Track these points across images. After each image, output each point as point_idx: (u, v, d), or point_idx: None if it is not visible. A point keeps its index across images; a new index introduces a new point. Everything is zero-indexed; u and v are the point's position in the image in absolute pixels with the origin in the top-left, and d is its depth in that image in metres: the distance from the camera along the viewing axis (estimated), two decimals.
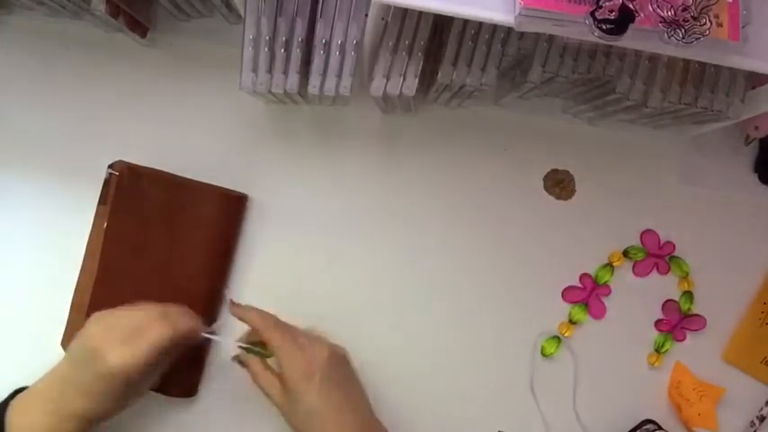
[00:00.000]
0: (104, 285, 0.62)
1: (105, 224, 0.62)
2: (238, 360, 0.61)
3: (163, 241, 0.63)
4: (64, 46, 0.69)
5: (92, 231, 0.65)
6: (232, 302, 0.61)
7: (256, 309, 0.60)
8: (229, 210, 0.66)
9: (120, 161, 0.64)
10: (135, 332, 0.53)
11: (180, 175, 0.65)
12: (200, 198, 0.65)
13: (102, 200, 0.64)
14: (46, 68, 0.69)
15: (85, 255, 0.65)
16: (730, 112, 0.62)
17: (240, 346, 0.60)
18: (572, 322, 0.70)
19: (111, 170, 0.63)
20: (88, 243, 0.65)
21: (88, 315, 0.57)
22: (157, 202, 0.64)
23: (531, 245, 0.71)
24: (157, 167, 0.65)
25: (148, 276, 0.62)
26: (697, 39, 0.48)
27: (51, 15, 0.68)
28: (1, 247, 0.66)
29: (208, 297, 0.65)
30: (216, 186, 0.66)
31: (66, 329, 0.63)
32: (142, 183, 0.63)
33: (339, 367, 0.58)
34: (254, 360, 0.60)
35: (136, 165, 0.64)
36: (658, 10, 0.48)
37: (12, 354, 0.64)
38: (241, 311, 0.60)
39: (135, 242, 0.63)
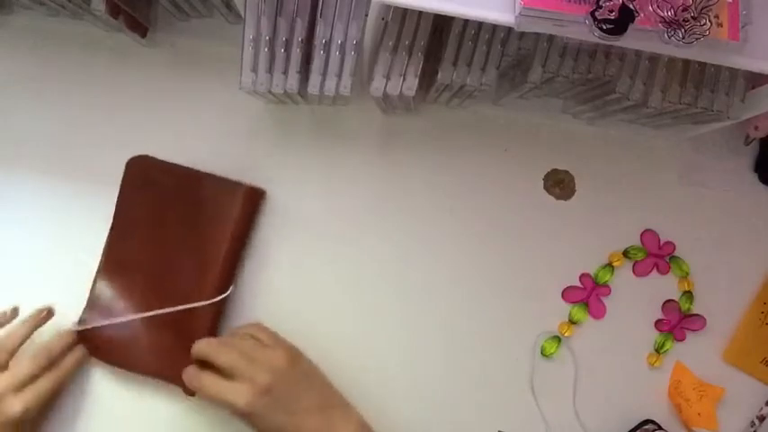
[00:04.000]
0: (111, 273, 0.64)
1: (113, 213, 0.64)
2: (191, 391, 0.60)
3: (177, 230, 0.65)
4: (64, 46, 0.69)
5: None
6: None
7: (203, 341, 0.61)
8: (248, 203, 0.66)
9: (138, 155, 0.65)
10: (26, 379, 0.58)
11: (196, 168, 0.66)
12: (218, 190, 0.65)
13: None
14: (46, 68, 0.69)
15: None
16: (730, 112, 0.62)
17: None
18: (572, 322, 0.70)
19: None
20: None
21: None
22: (171, 192, 0.65)
23: (531, 245, 0.71)
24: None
25: (158, 263, 0.64)
26: (697, 39, 0.48)
27: (51, 15, 0.68)
28: (1, 246, 0.66)
29: (216, 284, 0.64)
30: (234, 181, 0.66)
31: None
32: (154, 173, 0.65)
33: (298, 369, 0.58)
34: (206, 374, 0.58)
35: (149, 156, 0.65)
36: (658, 10, 0.48)
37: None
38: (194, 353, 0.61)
39: (146, 231, 0.65)
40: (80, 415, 0.64)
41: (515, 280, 0.70)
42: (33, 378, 0.58)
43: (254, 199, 0.67)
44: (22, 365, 0.59)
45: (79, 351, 0.63)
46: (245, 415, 0.55)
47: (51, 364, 0.60)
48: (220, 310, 0.65)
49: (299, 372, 0.59)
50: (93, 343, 0.63)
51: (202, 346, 0.59)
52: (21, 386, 0.57)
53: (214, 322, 0.65)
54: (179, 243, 0.65)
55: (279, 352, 0.59)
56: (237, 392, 0.55)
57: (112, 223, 0.65)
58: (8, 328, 0.61)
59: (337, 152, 0.70)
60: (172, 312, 0.62)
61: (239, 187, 0.66)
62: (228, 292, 0.64)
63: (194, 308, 0.62)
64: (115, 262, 0.65)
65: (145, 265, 0.64)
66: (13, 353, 0.59)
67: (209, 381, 0.57)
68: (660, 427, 0.68)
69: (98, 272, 0.65)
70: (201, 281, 0.64)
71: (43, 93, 0.69)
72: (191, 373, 0.59)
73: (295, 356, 0.60)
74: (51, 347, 0.61)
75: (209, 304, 0.63)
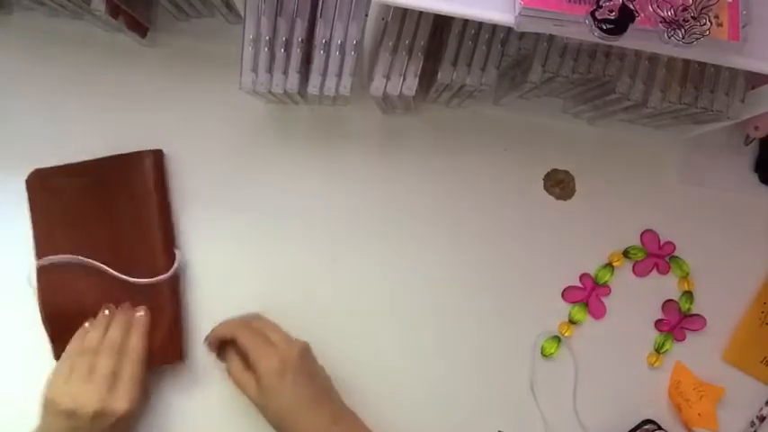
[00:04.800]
0: (49, 281, 0.64)
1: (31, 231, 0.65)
2: (209, 344, 0.63)
3: (102, 219, 0.65)
4: (64, 46, 0.69)
5: None
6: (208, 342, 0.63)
7: (224, 322, 0.63)
8: (156, 167, 0.66)
9: (33, 170, 0.66)
10: (110, 377, 0.58)
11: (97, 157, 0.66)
12: (123, 167, 0.65)
13: None
14: (46, 68, 0.69)
15: None
16: (730, 112, 0.62)
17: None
18: (572, 322, 0.70)
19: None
20: None
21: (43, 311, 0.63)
22: (80, 190, 0.65)
23: (532, 245, 0.71)
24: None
25: (99, 253, 0.64)
26: (697, 39, 0.48)
27: (51, 15, 0.68)
28: (0, 246, 0.66)
29: (162, 248, 0.65)
30: (131, 153, 0.66)
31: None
32: (55, 181, 0.65)
33: (308, 364, 0.61)
34: (231, 355, 0.61)
35: (43, 168, 0.66)
36: (658, 10, 0.48)
37: (7, 354, 0.64)
38: (213, 335, 0.63)
39: (71, 234, 0.64)
40: None
41: (515, 280, 0.70)
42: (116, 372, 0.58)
43: (158, 162, 0.66)
44: (100, 363, 0.58)
45: (137, 326, 0.62)
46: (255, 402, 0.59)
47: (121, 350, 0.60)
48: (178, 276, 0.65)
49: (307, 364, 0.61)
50: None
51: (227, 328, 0.62)
52: (112, 383, 0.57)
53: (176, 291, 0.65)
54: (112, 233, 0.65)
55: (294, 342, 0.61)
56: (251, 384, 0.59)
57: (34, 245, 0.65)
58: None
59: (337, 152, 0.70)
60: (136, 293, 0.63)
61: (141, 156, 0.65)
62: (177, 258, 0.64)
63: (156, 284, 0.63)
64: (53, 284, 0.64)
65: (85, 268, 0.64)
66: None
67: (233, 366, 0.61)
68: (660, 427, 0.68)
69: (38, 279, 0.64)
70: (151, 255, 0.64)
71: (43, 93, 0.69)
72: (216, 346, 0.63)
73: (306, 348, 0.61)
74: (110, 335, 0.60)
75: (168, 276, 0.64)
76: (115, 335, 0.60)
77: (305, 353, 0.61)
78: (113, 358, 0.58)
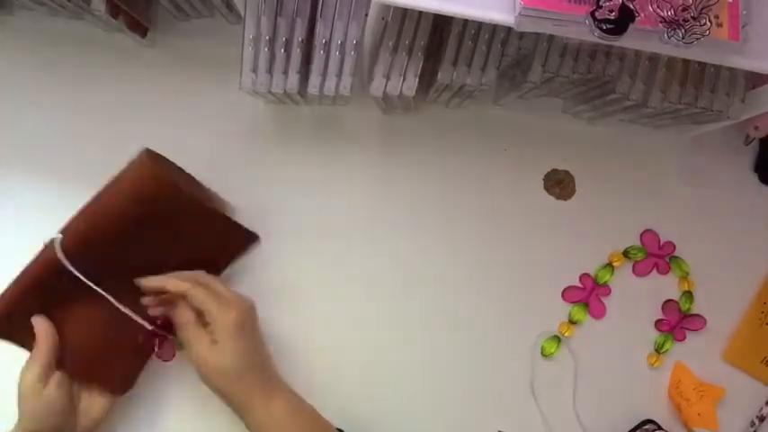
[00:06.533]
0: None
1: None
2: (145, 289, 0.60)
3: (160, 237, 0.60)
4: (64, 46, 0.69)
5: None
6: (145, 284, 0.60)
7: (173, 275, 0.60)
8: (244, 248, 0.65)
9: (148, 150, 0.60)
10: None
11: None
12: (222, 231, 0.63)
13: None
14: (46, 68, 0.69)
15: None
16: (730, 112, 0.62)
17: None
18: (572, 322, 0.70)
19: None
20: None
21: None
22: (166, 215, 0.59)
23: (531, 245, 0.71)
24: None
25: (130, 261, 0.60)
26: (697, 39, 0.48)
27: (51, 15, 0.68)
28: (0, 246, 0.66)
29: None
30: (238, 224, 0.64)
31: None
32: (159, 188, 0.58)
33: (256, 318, 0.61)
34: (182, 311, 0.59)
35: (164, 167, 0.60)
36: (658, 10, 0.48)
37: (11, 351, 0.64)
38: (157, 282, 0.60)
39: (121, 243, 0.59)
40: None
41: (515, 280, 0.70)
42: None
43: (240, 241, 0.65)
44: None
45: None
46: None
47: None
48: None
49: (257, 321, 0.61)
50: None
51: (176, 283, 0.59)
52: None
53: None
54: (158, 252, 0.61)
55: (244, 297, 0.60)
56: (203, 339, 0.57)
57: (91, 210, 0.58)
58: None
59: (337, 152, 0.70)
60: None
61: (241, 232, 0.64)
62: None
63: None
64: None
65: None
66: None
67: (187, 319, 0.59)
68: (660, 427, 0.68)
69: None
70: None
71: (43, 93, 0.69)
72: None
73: (254, 306, 0.61)
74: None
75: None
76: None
77: (255, 309, 0.61)
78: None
